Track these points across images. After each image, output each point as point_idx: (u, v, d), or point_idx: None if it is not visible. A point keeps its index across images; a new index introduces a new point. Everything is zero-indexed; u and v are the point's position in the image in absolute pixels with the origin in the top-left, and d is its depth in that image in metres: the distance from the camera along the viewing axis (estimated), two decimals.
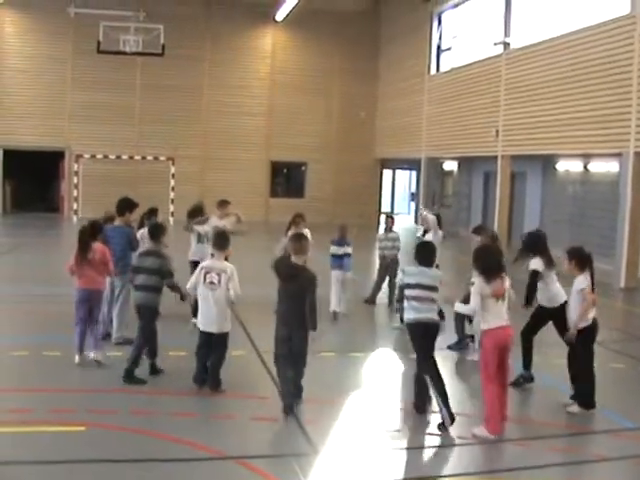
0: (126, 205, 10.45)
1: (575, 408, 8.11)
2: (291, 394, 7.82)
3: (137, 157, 30.70)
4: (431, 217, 12.15)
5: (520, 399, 8.65)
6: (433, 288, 7.62)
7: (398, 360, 10.24)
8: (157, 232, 9.09)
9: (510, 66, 21.93)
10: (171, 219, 27.12)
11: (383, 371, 9.69)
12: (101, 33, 25.78)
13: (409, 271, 7.78)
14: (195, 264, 11.36)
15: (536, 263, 8.79)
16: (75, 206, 29.43)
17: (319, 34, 32.91)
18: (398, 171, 40.80)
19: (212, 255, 8.81)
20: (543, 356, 9.63)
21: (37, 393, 8.15)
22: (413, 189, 39.78)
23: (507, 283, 7.54)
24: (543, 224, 23.59)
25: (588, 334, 8.19)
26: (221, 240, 8.54)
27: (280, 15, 31.43)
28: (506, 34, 22.07)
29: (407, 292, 7.62)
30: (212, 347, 8.40)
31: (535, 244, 9.04)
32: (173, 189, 30.15)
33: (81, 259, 9.05)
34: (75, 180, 29.82)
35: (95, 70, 30.42)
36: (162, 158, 30.74)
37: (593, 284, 8.21)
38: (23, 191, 32.00)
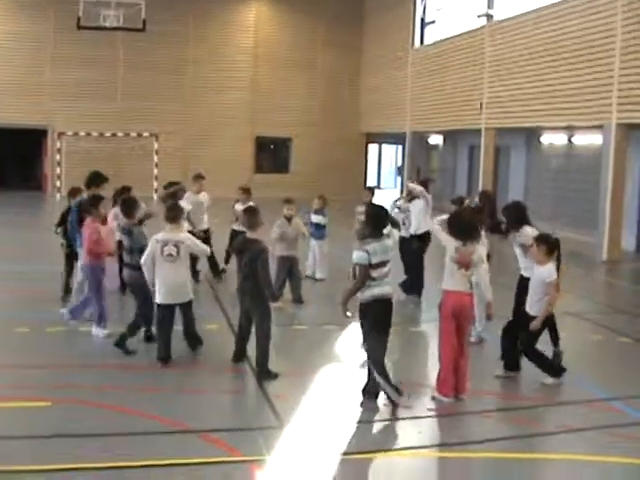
0: (93, 179, 10.34)
1: (549, 380, 8.07)
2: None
3: (120, 134, 30.39)
4: (418, 187, 11.99)
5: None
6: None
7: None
8: (128, 207, 8.92)
9: (494, 38, 21.75)
10: (155, 196, 26.89)
11: (356, 345, 9.58)
12: (81, 9, 25.43)
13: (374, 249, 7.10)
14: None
15: (532, 231, 8.44)
16: (58, 184, 29.11)
17: (302, 7, 32.61)
18: (384, 145, 40.68)
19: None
20: None
21: (5, 370, 8.07)
22: (399, 163, 39.65)
23: (477, 254, 7.45)
24: (527, 197, 23.55)
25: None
26: (173, 213, 8.44)
27: None
28: (489, 6, 21.87)
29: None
30: (182, 315, 8.48)
31: (524, 214, 8.73)
32: (157, 165, 29.87)
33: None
34: (58, 158, 29.50)
35: (77, 47, 30.04)
36: (145, 134, 30.44)
37: (558, 272, 8.03)
38: (6, 170, 31.69)
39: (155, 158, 30.22)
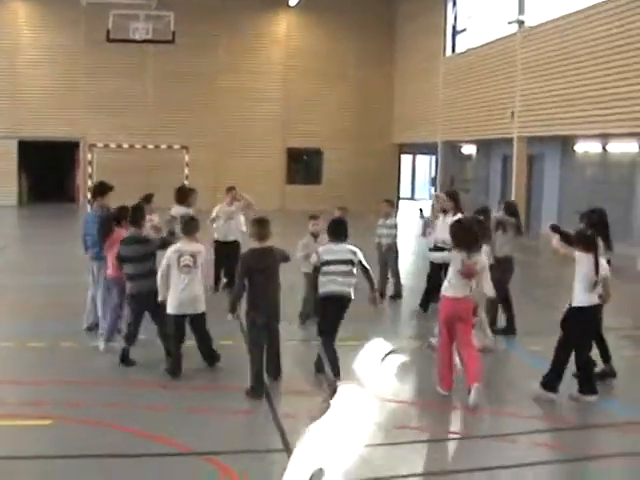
0: (98, 189, 10.24)
1: (585, 397, 7.67)
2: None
3: (150, 146, 30.43)
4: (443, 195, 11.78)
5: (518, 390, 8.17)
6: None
7: (392, 350, 9.72)
8: (136, 216, 8.77)
9: (525, 45, 21.29)
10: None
11: (376, 361, 9.19)
12: (111, 22, 25.47)
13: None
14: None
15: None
16: (89, 196, 29.19)
17: (333, 18, 32.36)
18: (418, 156, 40.23)
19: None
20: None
21: (11, 386, 7.88)
22: (433, 174, 39.20)
23: (481, 263, 7.69)
24: (561, 207, 23.01)
25: None
26: (188, 226, 8.38)
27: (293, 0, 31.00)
28: (520, 12, 21.41)
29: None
30: (193, 330, 8.33)
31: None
32: (187, 177, 29.81)
33: None
34: (89, 170, 29.62)
35: (108, 59, 30.18)
36: (176, 147, 30.43)
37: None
38: (39, 182, 31.92)
39: (186, 170, 30.18)
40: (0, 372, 8.45)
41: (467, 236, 7.69)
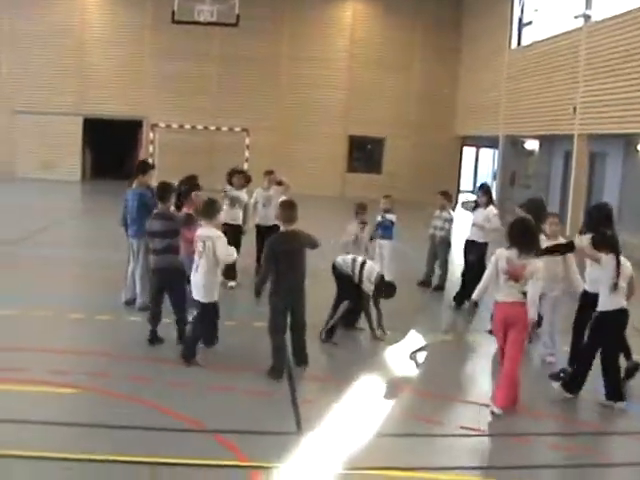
0: (139, 167, 10.42)
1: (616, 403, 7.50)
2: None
3: (212, 127, 30.74)
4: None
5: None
6: None
7: (423, 342, 9.66)
8: (163, 193, 8.85)
9: (590, 39, 20.74)
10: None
11: (405, 354, 9.13)
12: (176, 3, 25.74)
13: None
14: (223, 226, 11.62)
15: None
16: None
17: (399, 7, 32.02)
18: (482, 149, 39.68)
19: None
20: None
21: (45, 354, 8.10)
22: (495, 168, 38.65)
23: (531, 267, 7.05)
24: (622, 207, 22.43)
25: None
26: (208, 209, 8.20)
27: None
28: (587, 6, 20.86)
29: None
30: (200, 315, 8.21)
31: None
32: (247, 160, 30.06)
33: None
34: (151, 149, 30.11)
35: (173, 40, 30.52)
36: (237, 129, 30.68)
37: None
38: (102, 159, 32.57)
39: (246, 153, 30.41)
40: (35, 340, 8.67)
41: (522, 235, 7.17)
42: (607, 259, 7.37)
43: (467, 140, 34.53)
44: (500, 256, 7.17)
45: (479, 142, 36.59)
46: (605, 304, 7.37)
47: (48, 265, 13.34)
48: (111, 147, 32.25)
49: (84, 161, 31.89)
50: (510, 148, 28.73)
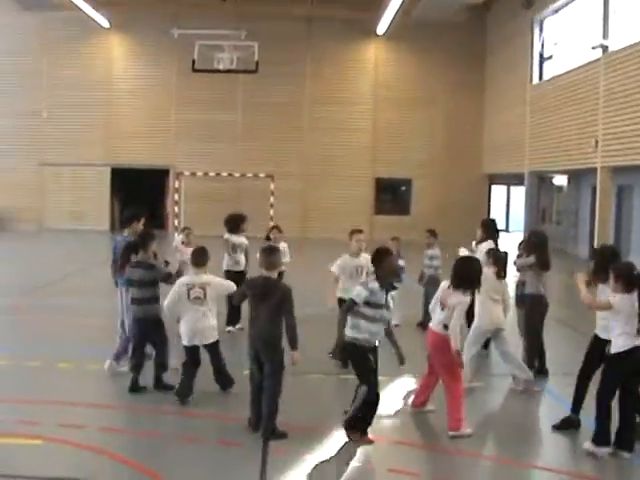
0: (132, 215, 10.31)
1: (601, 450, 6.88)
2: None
3: (237, 174, 30.86)
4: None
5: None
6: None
7: (411, 387, 9.10)
8: (144, 241, 8.82)
9: (609, 70, 20.38)
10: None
11: (391, 399, 8.68)
12: (196, 52, 26.08)
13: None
14: (228, 273, 11.63)
15: None
16: (176, 222, 29.86)
17: (422, 46, 32.05)
18: (513, 187, 39.16)
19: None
20: None
21: (21, 405, 7.92)
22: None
23: (455, 299, 7.38)
24: None
25: None
26: (198, 256, 8.32)
27: (381, 28, 30.87)
28: (604, 36, 20.53)
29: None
30: (209, 354, 8.31)
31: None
32: (272, 206, 30.05)
33: None
34: (176, 197, 30.30)
35: (198, 89, 30.93)
36: (262, 175, 30.74)
37: None
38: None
39: (271, 199, 30.43)
40: (14, 391, 8.50)
41: (456, 271, 7.67)
42: (622, 298, 6.76)
43: (496, 178, 34.12)
44: (443, 286, 7.78)
45: (509, 180, 36.13)
46: (621, 345, 6.80)
47: (51, 314, 13.28)
48: (139, 196, 32.48)
49: (112, 211, 32.20)
50: (538, 184, 28.27)
